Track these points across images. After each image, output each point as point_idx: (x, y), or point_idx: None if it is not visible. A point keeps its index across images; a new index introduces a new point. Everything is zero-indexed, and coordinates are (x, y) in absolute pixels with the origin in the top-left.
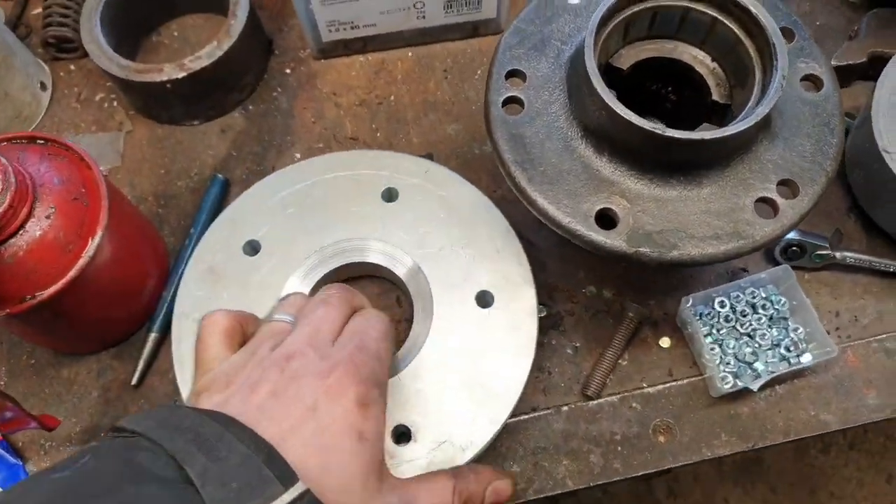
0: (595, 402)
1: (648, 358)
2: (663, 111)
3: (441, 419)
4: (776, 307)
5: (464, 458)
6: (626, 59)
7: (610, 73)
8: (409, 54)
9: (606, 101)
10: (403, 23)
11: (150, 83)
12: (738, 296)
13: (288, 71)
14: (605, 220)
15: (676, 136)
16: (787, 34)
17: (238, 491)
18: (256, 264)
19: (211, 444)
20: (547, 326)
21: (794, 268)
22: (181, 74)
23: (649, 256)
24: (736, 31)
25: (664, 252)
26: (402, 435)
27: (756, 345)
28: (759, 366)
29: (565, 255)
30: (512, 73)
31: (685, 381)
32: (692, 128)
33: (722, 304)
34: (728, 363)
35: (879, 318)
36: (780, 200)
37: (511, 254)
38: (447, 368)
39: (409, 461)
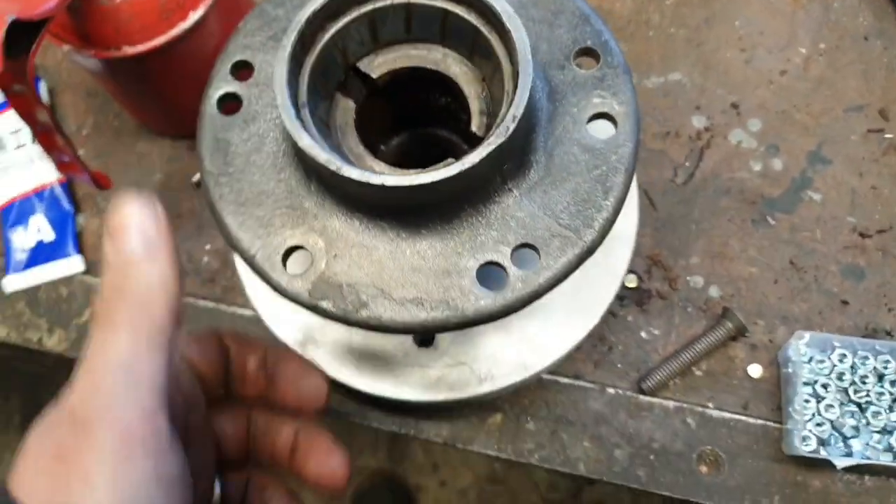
0: (647, 398)
1: (728, 379)
2: (451, 123)
3: (472, 339)
4: None
5: (479, 389)
6: (380, 66)
7: (363, 79)
8: None
9: (287, 124)
10: None
11: None
12: (866, 357)
13: None
14: (301, 258)
15: (354, 176)
16: (592, 56)
17: None
18: None
19: None
20: (631, 300)
21: None
22: None
23: (332, 313)
24: (494, 44)
25: (349, 311)
26: (426, 340)
27: (863, 420)
28: (855, 444)
29: (684, 235)
30: (240, 65)
31: (759, 421)
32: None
33: (842, 358)
34: (820, 424)
35: None
36: (512, 269)
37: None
38: None
39: (421, 366)
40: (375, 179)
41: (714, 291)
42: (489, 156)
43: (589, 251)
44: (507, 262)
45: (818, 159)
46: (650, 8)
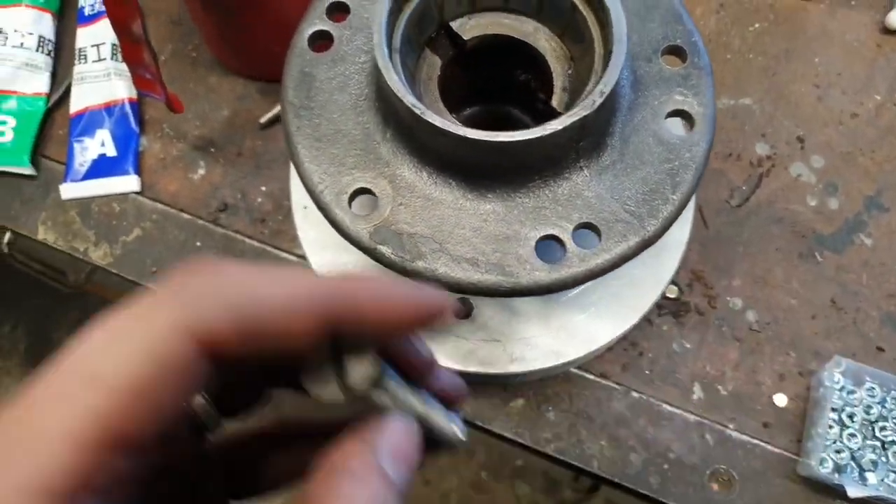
0: (669, 408)
1: (752, 403)
2: (526, 104)
3: (510, 321)
4: None
5: (509, 367)
6: (472, 29)
7: (453, 39)
8: None
9: (379, 62)
10: None
11: None
12: None
13: None
14: (365, 202)
15: (437, 123)
16: (679, 55)
17: None
18: None
19: None
20: (668, 310)
21: None
22: None
23: (389, 259)
24: (590, 25)
25: (406, 260)
26: (465, 313)
27: (883, 457)
28: (871, 477)
29: (730, 256)
30: (336, 6)
31: (777, 450)
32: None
33: (871, 393)
34: (839, 451)
35: None
36: (571, 246)
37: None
38: None
39: (457, 337)
40: (458, 130)
41: (751, 315)
42: (571, 126)
43: (649, 241)
44: (567, 238)
45: (875, 205)
46: (732, 32)
